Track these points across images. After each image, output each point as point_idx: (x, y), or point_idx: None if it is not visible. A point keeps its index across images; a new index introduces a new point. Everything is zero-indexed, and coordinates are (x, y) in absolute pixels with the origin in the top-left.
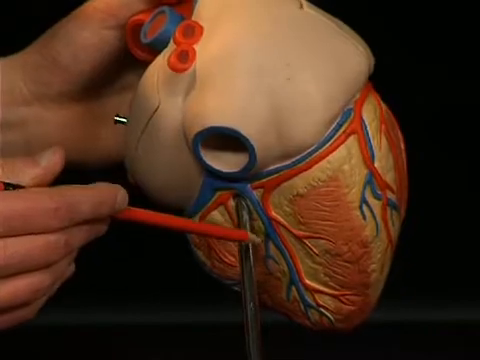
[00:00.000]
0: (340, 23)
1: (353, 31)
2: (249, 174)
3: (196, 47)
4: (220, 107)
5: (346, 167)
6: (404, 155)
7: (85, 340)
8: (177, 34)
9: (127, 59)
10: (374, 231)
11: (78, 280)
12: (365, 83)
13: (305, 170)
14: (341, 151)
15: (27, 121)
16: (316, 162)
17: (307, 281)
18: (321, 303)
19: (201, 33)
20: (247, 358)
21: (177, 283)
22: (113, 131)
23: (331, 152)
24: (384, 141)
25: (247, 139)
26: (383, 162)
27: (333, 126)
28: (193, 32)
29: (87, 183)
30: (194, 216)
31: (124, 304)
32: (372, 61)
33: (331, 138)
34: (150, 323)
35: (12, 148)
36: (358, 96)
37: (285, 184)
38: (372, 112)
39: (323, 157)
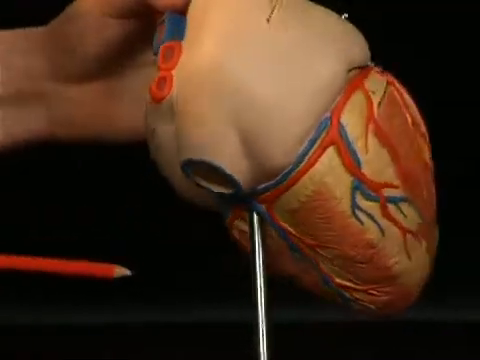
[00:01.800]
0: (319, 14)
1: (339, 19)
2: (244, 193)
3: (174, 72)
4: (192, 139)
5: (328, 179)
6: (421, 137)
7: (83, 339)
8: (159, 58)
9: (147, 35)
10: (377, 233)
11: (75, 280)
12: (347, 83)
13: (291, 187)
14: (320, 165)
15: (48, 96)
16: (298, 179)
17: (337, 280)
18: (357, 297)
19: (179, 54)
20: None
21: (178, 282)
22: (132, 107)
23: (310, 168)
24: (373, 141)
25: (221, 168)
26: (373, 164)
27: (307, 141)
28: (172, 54)
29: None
30: (225, 222)
31: (124, 303)
32: (359, 54)
33: (306, 154)
34: (151, 322)
35: (34, 122)
36: (338, 99)
37: (279, 200)
38: (355, 113)
39: (303, 173)
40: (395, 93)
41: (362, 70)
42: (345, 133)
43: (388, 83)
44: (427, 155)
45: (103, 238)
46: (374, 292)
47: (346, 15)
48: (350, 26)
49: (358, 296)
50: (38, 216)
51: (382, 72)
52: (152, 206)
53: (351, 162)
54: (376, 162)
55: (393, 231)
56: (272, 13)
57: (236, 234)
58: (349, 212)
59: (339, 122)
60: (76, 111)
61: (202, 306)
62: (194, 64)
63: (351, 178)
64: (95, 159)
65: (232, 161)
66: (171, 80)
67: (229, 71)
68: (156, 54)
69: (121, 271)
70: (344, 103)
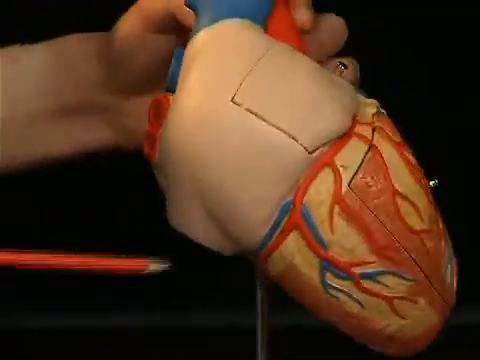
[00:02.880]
0: (294, 86)
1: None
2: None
3: (159, 133)
4: (171, 207)
5: (296, 261)
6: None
7: (83, 342)
8: (150, 112)
9: None
10: (355, 306)
11: (77, 283)
12: (315, 160)
13: (267, 258)
14: (286, 247)
15: (106, 108)
16: (269, 255)
17: (342, 330)
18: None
19: (165, 113)
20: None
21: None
22: None
23: (275, 250)
24: (339, 222)
25: (198, 240)
26: (341, 244)
27: (271, 224)
28: (160, 110)
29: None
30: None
31: (123, 307)
32: (334, 125)
33: (271, 237)
34: (150, 324)
35: (100, 132)
36: (302, 180)
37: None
38: (321, 194)
39: (272, 251)
40: (377, 158)
41: (337, 142)
42: (308, 216)
43: (371, 147)
44: (425, 206)
45: (103, 238)
46: (375, 347)
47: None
48: (329, 94)
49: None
50: (38, 216)
51: (371, 127)
52: (153, 207)
53: (316, 245)
54: (344, 242)
55: (375, 301)
56: (237, 92)
57: None
58: (321, 289)
59: (302, 204)
60: (130, 123)
61: (202, 309)
62: (171, 134)
63: (317, 260)
64: (95, 159)
65: (206, 234)
66: (157, 141)
67: (197, 151)
68: (167, 90)
69: (157, 265)
70: (309, 184)
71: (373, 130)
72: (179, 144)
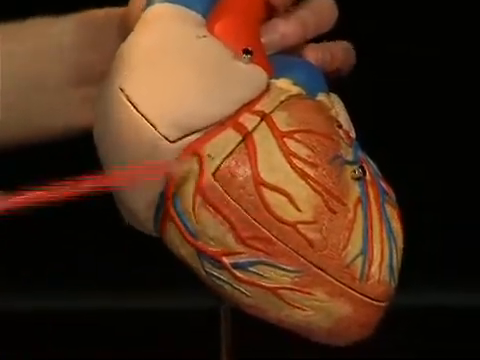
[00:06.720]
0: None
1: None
2: None
3: None
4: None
5: (181, 251)
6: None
7: (86, 325)
8: None
9: None
10: (240, 295)
11: (79, 266)
12: (183, 149)
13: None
14: (168, 235)
15: None
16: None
17: None
18: None
19: None
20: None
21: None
22: None
23: (165, 236)
24: (203, 211)
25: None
26: (208, 234)
27: (153, 212)
28: None
29: None
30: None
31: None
32: (207, 112)
33: (157, 223)
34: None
35: None
36: (170, 170)
37: None
38: (188, 183)
39: (164, 238)
40: (250, 148)
41: (210, 131)
42: (177, 205)
43: (246, 137)
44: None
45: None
46: (312, 338)
47: None
48: (204, 84)
49: None
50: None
51: (242, 128)
52: None
53: (187, 234)
54: (211, 231)
55: (259, 292)
56: (125, 79)
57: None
58: (209, 280)
59: (171, 194)
60: None
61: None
62: None
63: (192, 249)
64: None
65: (127, 214)
66: None
67: (98, 139)
68: None
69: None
70: (175, 174)
71: (261, 119)
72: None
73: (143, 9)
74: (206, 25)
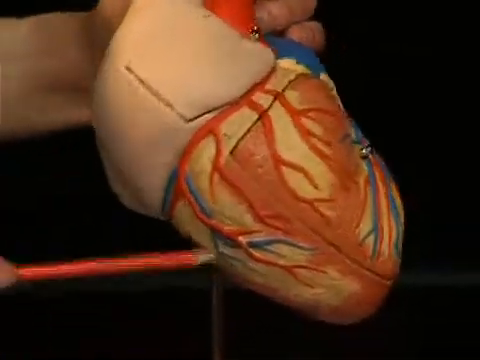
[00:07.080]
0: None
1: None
2: None
3: None
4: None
5: (190, 228)
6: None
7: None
8: None
9: None
10: (254, 274)
11: (79, 250)
12: (198, 128)
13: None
14: (179, 214)
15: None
16: (171, 218)
17: None
18: None
19: None
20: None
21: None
22: None
23: (172, 216)
24: (220, 190)
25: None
26: (224, 213)
27: (163, 193)
28: None
29: None
30: None
31: None
32: (223, 91)
33: (166, 202)
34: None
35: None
36: (184, 148)
37: None
38: (203, 162)
39: (171, 218)
40: (267, 126)
41: (225, 110)
42: (191, 184)
43: (262, 116)
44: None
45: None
46: (312, 317)
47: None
48: (218, 62)
49: None
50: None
51: (259, 107)
52: None
53: (201, 213)
54: (227, 211)
55: (273, 270)
56: (132, 58)
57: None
58: (220, 258)
59: (185, 173)
60: None
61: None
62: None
63: (205, 227)
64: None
65: (129, 200)
66: None
67: (100, 122)
68: None
69: (205, 256)
70: (190, 152)
71: (275, 98)
72: (93, 112)
73: None
74: (204, 6)
